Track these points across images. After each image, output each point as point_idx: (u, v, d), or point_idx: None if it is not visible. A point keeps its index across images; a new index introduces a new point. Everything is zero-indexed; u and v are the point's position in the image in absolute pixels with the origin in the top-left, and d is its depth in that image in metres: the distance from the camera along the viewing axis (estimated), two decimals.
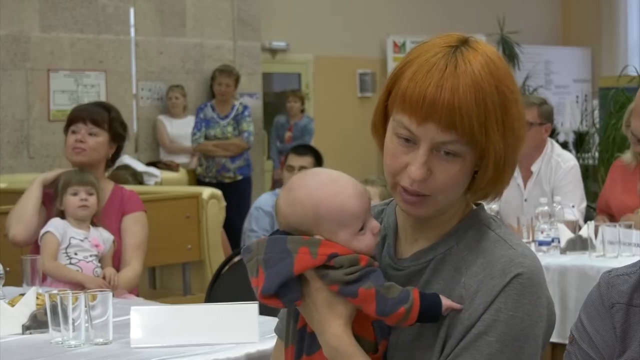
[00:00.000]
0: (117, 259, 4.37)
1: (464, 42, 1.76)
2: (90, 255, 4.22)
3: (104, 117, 4.45)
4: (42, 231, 4.24)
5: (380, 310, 1.75)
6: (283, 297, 1.79)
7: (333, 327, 1.77)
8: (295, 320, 1.87)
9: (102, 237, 4.28)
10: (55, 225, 4.24)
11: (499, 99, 1.72)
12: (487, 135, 1.71)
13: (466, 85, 1.70)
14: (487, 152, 1.72)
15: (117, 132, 4.50)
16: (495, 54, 1.77)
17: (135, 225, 4.45)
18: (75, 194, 4.26)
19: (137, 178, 7.80)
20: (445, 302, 1.75)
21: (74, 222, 4.25)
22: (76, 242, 4.22)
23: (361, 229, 1.81)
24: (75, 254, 4.21)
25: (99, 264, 4.24)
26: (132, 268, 4.37)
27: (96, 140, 4.41)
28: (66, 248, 4.21)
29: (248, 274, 1.83)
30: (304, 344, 1.85)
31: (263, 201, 6.13)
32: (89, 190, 4.27)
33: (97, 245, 4.25)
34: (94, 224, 4.31)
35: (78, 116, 4.44)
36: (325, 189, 1.81)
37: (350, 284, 1.76)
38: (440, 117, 1.70)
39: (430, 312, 1.74)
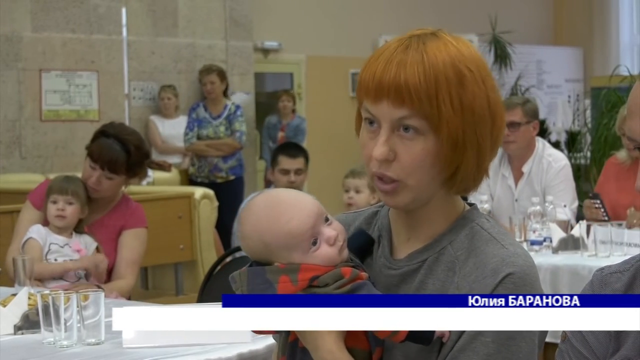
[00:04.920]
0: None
1: (430, 33, 1.78)
2: (71, 260, 4.21)
3: (122, 162, 4.37)
4: (25, 238, 4.22)
5: None
6: None
7: (326, 343, 1.75)
8: (287, 332, 1.85)
9: (84, 242, 4.27)
10: (36, 231, 4.23)
11: (455, 75, 1.72)
12: (439, 109, 1.71)
13: (414, 61, 1.71)
14: (440, 126, 1.72)
15: (135, 172, 4.48)
16: (464, 43, 1.78)
17: (134, 241, 4.44)
18: (54, 202, 4.25)
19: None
20: (442, 336, 1.73)
21: (55, 229, 4.24)
22: (56, 248, 4.21)
23: (314, 243, 1.79)
24: (55, 259, 4.20)
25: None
26: (126, 281, 4.37)
27: (110, 184, 4.38)
28: (46, 254, 4.20)
29: None
30: (295, 357, 1.83)
31: None
32: (68, 200, 4.24)
33: (78, 250, 4.23)
34: (82, 232, 4.29)
35: (99, 157, 4.35)
36: (265, 219, 1.81)
37: None
38: (389, 93, 1.72)
39: (421, 334, 1.71)
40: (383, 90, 1.72)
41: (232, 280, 1.83)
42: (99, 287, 4.10)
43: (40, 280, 4.13)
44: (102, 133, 4.47)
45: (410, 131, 1.73)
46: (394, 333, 1.71)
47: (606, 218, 5.25)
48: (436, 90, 1.70)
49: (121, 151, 4.39)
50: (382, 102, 1.73)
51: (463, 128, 1.73)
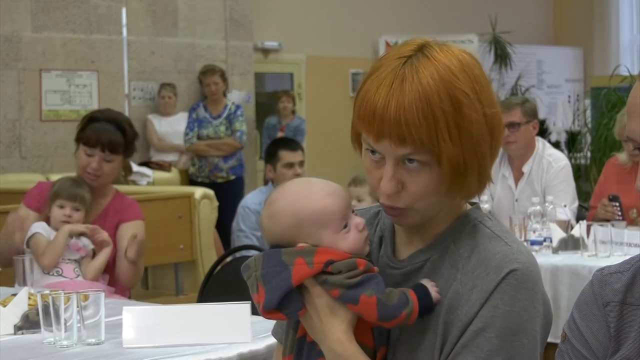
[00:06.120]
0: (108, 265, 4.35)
1: (420, 50, 1.77)
2: (69, 259, 4.22)
3: (120, 142, 4.40)
4: (30, 233, 4.23)
5: (382, 317, 1.75)
6: (285, 309, 1.79)
7: (336, 333, 1.77)
8: (295, 330, 1.87)
9: (83, 244, 4.28)
10: (42, 227, 4.24)
11: (451, 104, 1.72)
12: (438, 143, 1.72)
13: (411, 99, 1.71)
14: (441, 158, 1.73)
15: (131, 151, 4.50)
16: (454, 57, 1.77)
17: (132, 231, 4.42)
18: (61, 207, 4.26)
19: (127, 168, 7.81)
20: (431, 288, 1.77)
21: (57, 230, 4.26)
22: None
23: (345, 226, 1.83)
24: None
25: (78, 266, 4.24)
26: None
27: (110, 167, 4.39)
28: None
29: (250, 291, 1.83)
30: (302, 353, 1.85)
31: (249, 200, 6.11)
32: (75, 206, 4.26)
33: (78, 250, 4.24)
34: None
35: (97, 140, 4.36)
36: (302, 194, 1.85)
37: (352, 288, 1.76)
38: (390, 134, 1.72)
39: (426, 306, 1.76)
40: (384, 130, 1.73)
41: (246, 268, 1.83)
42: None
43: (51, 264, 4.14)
44: (91, 119, 4.49)
45: (415, 163, 1.75)
46: (406, 320, 1.75)
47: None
48: (435, 126, 1.71)
49: (116, 131, 4.43)
50: (383, 140, 1.74)
51: (463, 155, 1.74)
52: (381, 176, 1.77)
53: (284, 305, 1.78)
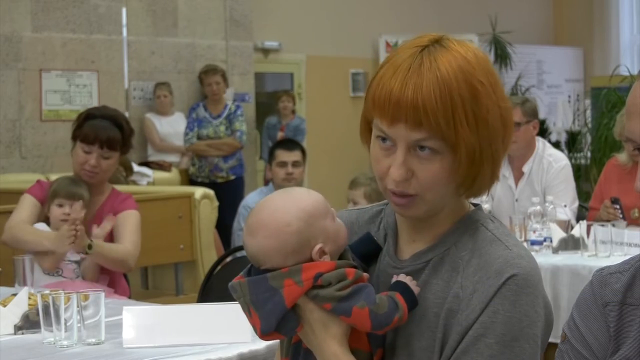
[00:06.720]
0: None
1: (436, 42, 1.78)
2: (69, 260, 4.22)
3: (117, 138, 4.40)
4: None
5: (375, 326, 1.75)
6: (283, 329, 1.79)
7: (331, 346, 1.77)
8: (290, 336, 1.87)
9: None
10: (42, 228, 4.25)
11: (468, 92, 1.73)
12: (456, 129, 1.71)
13: (429, 82, 1.71)
14: (458, 146, 1.72)
15: (128, 147, 4.51)
16: (470, 50, 1.78)
17: (126, 219, 4.42)
18: (60, 206, 4.26)
19: (128, 168, 7.82)
20: (409, 283, 1.78)
21: (56, 230, 4.25)
22: None
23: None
24: None
25: (78, 267, 4.24)
26: (123, 245, 4.33)
27: (108, 163, 4.39)
28: None
29: (242, 310, 1.84)
30: (299, 357, 1.85)
31: (250, 200, 6.11)
32: (74, 205, 4.27)
33: (78, 251, 4.25)
34: None
35: (95, 138, 4.36)
36: (290, 197, 1.84)
37: (343, 300, 1.75)
38: (406, 117, 1.71)
39: (413, 302, 1.77)
40: (400, 113, 1.72)
41: (233, 289, 1.83)
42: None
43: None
44: (88, 116, 4.49)
45: (427, 151, 1.74)
46: (398, 324, 1.75)
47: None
48: (452, 111, 1.71)
49: (114, 127, 4.44)
50: (398, 124, 1.73)
51: (479, 144, 1.74)
52: (390, 164, 1.76)
53: (281, 326, 1.79)
